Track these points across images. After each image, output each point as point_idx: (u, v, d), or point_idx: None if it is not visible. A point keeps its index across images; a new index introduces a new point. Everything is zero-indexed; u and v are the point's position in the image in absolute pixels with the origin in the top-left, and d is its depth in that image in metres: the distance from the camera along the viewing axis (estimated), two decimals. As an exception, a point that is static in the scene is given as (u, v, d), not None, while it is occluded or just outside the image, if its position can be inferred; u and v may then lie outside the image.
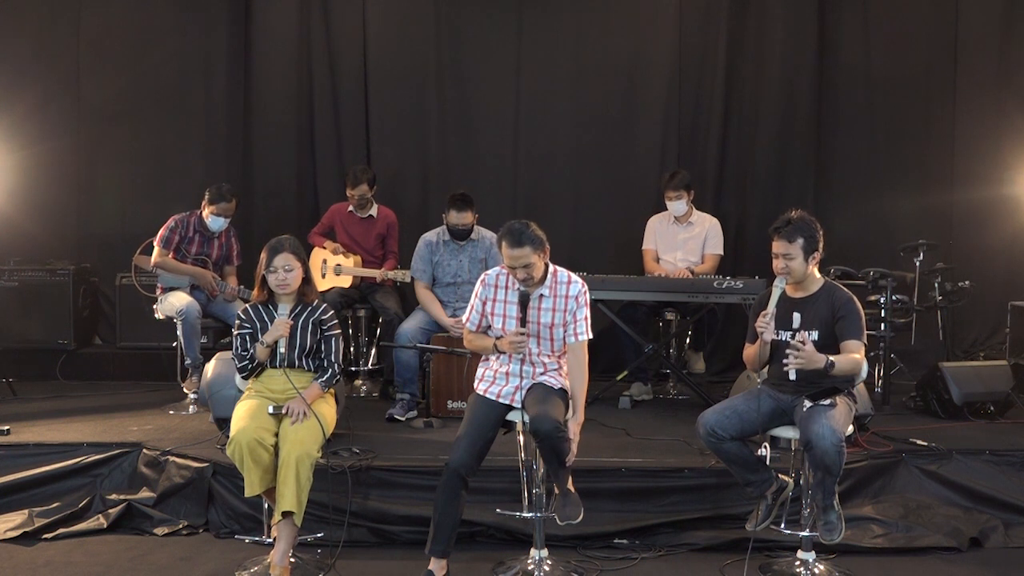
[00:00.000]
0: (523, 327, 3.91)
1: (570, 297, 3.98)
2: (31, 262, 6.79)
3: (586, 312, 4.01)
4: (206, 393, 4.81)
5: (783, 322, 3.95)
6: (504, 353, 3.98)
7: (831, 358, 3.76)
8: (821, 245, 3.96)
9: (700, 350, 6.41)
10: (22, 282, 6.73)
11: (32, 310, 6.70)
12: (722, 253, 6.16)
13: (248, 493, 3.91)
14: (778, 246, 3.92)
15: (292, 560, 3.93)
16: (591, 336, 4.03)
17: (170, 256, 5.69)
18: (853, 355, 3.83)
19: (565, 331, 4.00)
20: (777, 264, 3.94)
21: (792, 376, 3.93)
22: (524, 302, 3.91)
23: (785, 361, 3.79)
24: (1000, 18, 7.09)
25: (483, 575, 4.06)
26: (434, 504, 3.82)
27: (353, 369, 6.37)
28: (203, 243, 5.78)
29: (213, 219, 5.72)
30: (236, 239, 5.98)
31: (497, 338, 4.00)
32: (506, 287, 4.00)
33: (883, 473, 4.69)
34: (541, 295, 3.96)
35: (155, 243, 5.71)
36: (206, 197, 5.73)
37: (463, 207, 5.59)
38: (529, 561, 4.03)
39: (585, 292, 4.03)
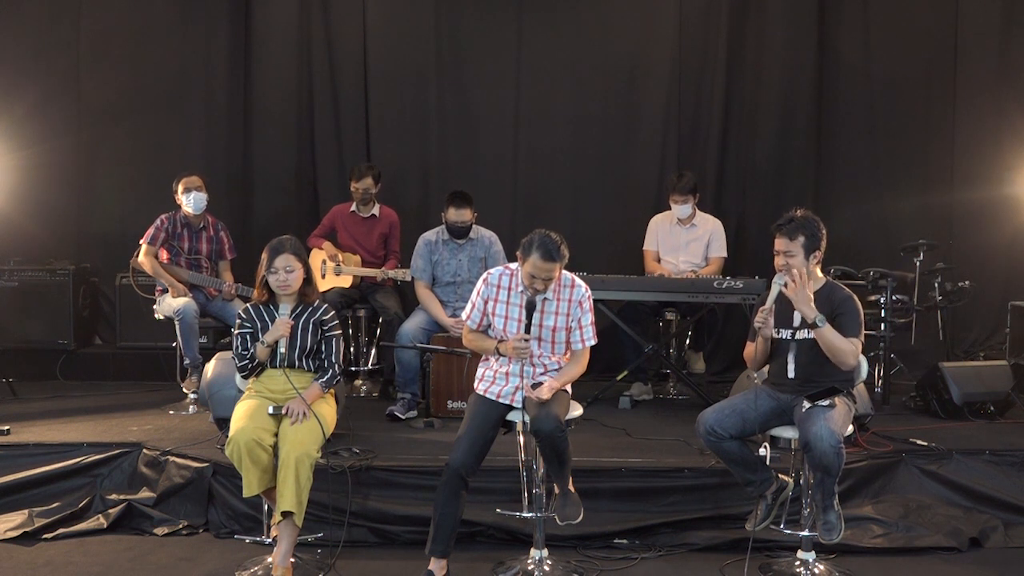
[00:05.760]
0: (527, 332, 3.91)
1: (574, 302, 3.98)
2: (31, 262, 6.79)
3: (591, 317, 4.02)
4: (206, 393, 4.81)
5: (784, 320, 3.95)
6: (505, 355, 3.98)
7: (822, 317, 3.77)
8: (823, 244, 3.96)
9: (700, 350, 6.41)
10: (22, 282, 6.72)
11: (32, 310, 6.69)
12: (726, 255, 6.17)
13: (247, 493, 3.91)
14: (779, 243, 3.93)
15: (293, 560, 3.92)
16: (596, 341, 4.03)
17: (160, 253, 5.68)
18: (848, 341, 3.83)
19: (569, 335, 4.00)
20: (778, 261, 3.94)
21: (791, 373, 3.93)
22: (531, 309, 3.91)
23: (776, 279, 3.84)
24: (1000, 18, 7.09)
25: (483, 575, 4.06)
26: (434, 504, 3.83)
27: (353, 369, 6.36)
28: (192, 238, 5.78)
29: (186, 199, 5.69)
30: (226, 233, 5.96)
31: (499, 340, 4.00)
32: (509, 288, 4.00)
33: (883, 473, 4.69)
34: (545, 299, 3.96)
35: (142, 241, 5.71)
36: (174, 188, 5.74)
37: (461, 204, 5.60)
38: (529, 561, 4.03)
39: (589, 296, 4.03)
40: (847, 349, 3.82)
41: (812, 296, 3.81)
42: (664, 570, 4.15)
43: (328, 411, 4.06)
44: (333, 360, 4.10)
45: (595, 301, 4.28)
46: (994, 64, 7.09)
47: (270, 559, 3.92)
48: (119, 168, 7.11)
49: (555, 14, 7.10)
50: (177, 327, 5.53)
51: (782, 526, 4.05)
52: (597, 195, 7.11)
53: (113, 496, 4.65)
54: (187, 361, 5.58)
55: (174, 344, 5.73)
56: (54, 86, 7.05)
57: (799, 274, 3.83)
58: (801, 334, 3.91)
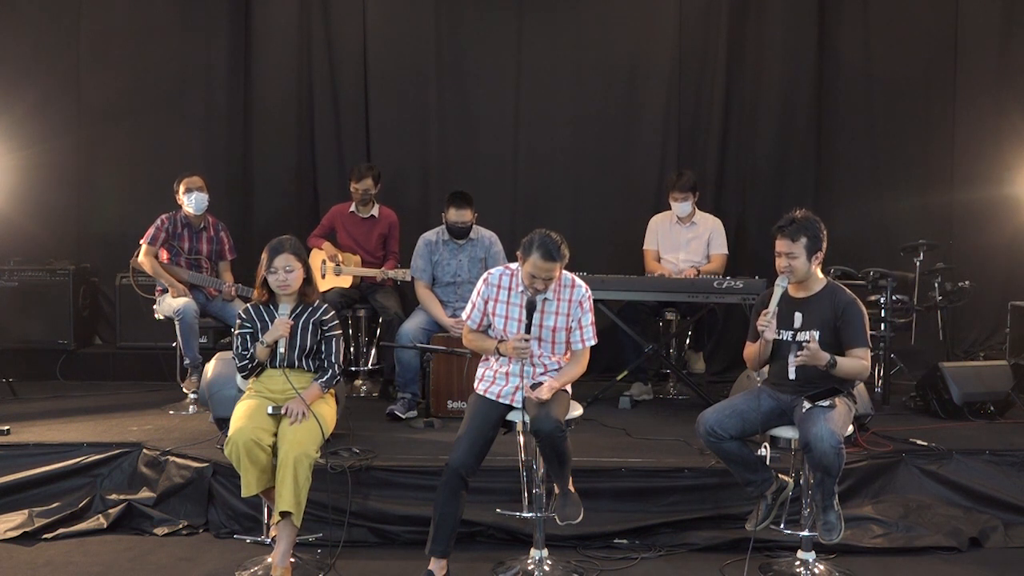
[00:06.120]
0: (527, 332, 3.90)
1: (574, 302, 3.98)
2: (31, 262, 6.79)
3: (591, 317, 4.02)
4: (206, 393, 4.80)
5: (785, 321, 3.94)
6: (506, 356, 3.97)
7: (835, 357, 3.77)
8: (824, 245, 3.95)
9: (700, 350, 6.41)
10: (22, 282, 6.72)
11: (32, 310, 6.69)
12: (727, 252, 6.17)
13: (245, 493, 3.92)
14: (781, 245, 3.92)
15: (292, 560, 3.93)
16: (596, 341, 4.04)
17: (160, 253, 5.69)
18: (858, 359, 3.83)
19: (569, 335, 4.00)
20: (780, 263, 3.93)
21: (792, 375, 3.93)
22: (531, 309, 3.90)
23: (792, 359, 3.79)
24: (1000, 18, 7.08)
25: (483, 575, 4.06)
26: (434, 504, 3.83)
27: (353, 369, 6.36)
28: (192, 238, 5.78)
29: (188, 200, 5.69)
30: (227, 233, 5.95)
31: (499, 341, 4.00)
32: (509, 288, 4.00)
33: (883, 473, 4.69)
34: (545, 299, 3.95)
35: (142, 241, 5.71)
36: (175, 188, 5.74)
37: (462, 204, 5.60)
38: (529, 561, 4.03)
39: (589, 296, 4.03)
40: (861, 368, 3.84)
41: (817, 351, 3.76)
42: (664, 570, 4.15)
43: (328, 411, 4.06)
44: (333, 360, 4.10)
45: (595, 301, 4.28)
46: (994, 64, 7.09)
47: (270, 559, 3.92)
48: (119, 168, 7.10)
49: (555, 14, 7.10)
50: (177, 327, 5.53)
51: (782, 526, 4.05)
52: (597, 195, 7.11)
53: (113, 496, 4.65)
54: (187, 361, 5.58)
55: (174, 344, 5.73)
56: (54, 86, 7.04)
57: (809, 344, 3.78)
58: (802, 336, 3.91)
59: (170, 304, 5.56)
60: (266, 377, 4.07)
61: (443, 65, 7.09)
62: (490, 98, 7.13)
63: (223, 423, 4.55)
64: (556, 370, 4.02)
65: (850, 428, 3.92)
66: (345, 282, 6.04)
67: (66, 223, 7.13)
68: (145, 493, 4.65)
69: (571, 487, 4.00)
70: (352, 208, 6.21)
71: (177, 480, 4.61)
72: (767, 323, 3.87)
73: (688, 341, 6.39)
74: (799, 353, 3.77)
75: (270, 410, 3.94)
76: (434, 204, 6.74)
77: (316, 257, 6.09)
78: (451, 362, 5.37)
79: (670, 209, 6.20)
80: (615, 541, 4.35)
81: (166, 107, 7.08)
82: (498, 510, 4.24)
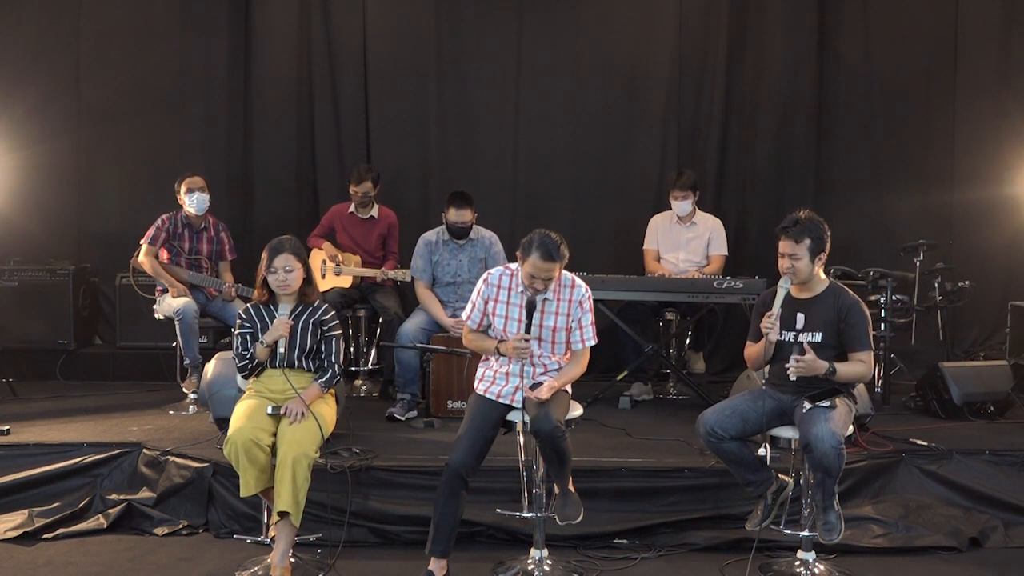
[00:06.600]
0: (527, 332, 3.90)
1: (574, 302, 3.98)
2: (31, 262, 6.79)
3: (591, 317, 4.02)
4: (206, 393, 4.80)
5: (787, 322, 3.93)
6: (506, 356, 3.97)
7: (834, 365, 3.76)
8: (827, 246, 3.95)
9: (700, 350, 6.41)
10: (22, 282, 6.73)
11: (32, 310, 6.69)
12: (727, 253, 6.18)
13: (244, 493, 3.92)
14: (785, 246, 3.91)
15: (292, 560, 3.93)
16: (596, 341, 4.04)
17: (160, 253, 5.69)
18: (860, 363, 3.84)
19: (569, 335, 4.00)
20: (783, 264, 3.92)
21: (792, 377, 3.92)
22: (531, 309, 3.90)
23: (787, 366, 3.80)
24: (1000, 18, 7.09)
25: (483, 575, 4.06)
26: (434, 504, 3.83)
27: (353, 369, 6.36)
28: (192, 238, 5.78)
29: (189, 200, 5.69)
30: (227, 233, 5.95)
31: (499, 341, 4.00)
32: (509, 288, 4.00)
33: (883, 473, 4.69)
34: (545, 299, 3.96)
35: (142, 241, 5.71)
36: (176, 188, 5.74)
37: (462, 204, 5.60)
38: (529, 561, 4.03)
39: (589, 296, 4.03)
40: (863, 371, 3.86)
41: (814, 360, 3.76)
42: (664, 570, 4.15)
43: (327, 411, 4.06)
44: (333, 360, 4.10)
45: (595, 301, 4.28)
46: (994, 64, 7.09)
47: (270, 559, 3.92)
48: (119, 168, 7.11)
49: (555, 14, 7.10)
50: (177, 327, 5.53)
51: (782, 526, 4.05)
52: (597, 195, 7.11)
53: (113, 496, 4.66)
54: (187, 361, 5.58)
55: (174, 344, 5.72)
56: (54, 86, 7.04)
57: (804, 356, 3.79)
58: (803, 336, 3.90)
59: (170, 304, 5.56)
60: (266, 377, 4.07)
61: (443, 65, 7.09)
62: (490, 98, 7.13)
63: (223, 423, 4.54)
64: (556, 370, 4.02)
65: (850, 428, 3.91)
66: (345, 282, 6.04)
67: (66, 223, 7.13)
68: (145, 493, 4.65)
69: (571, 487, 4.00)
70: (351, 208, 6.21)
71: (177, 480, 4.61)
72: (771, 325, 3.86)
73: (688, 341, 6.40)
74: (793, 367, 3.77)
75: (269, 410, 3.94)
76: (434, 204, 6.75)
77: (316, 257, 6.09)
78: (451, 362, 5.37)
79: (670, 209, 6.21)
80: (615, 541, 4.35)
81: (166, 107, 7.08)
82: (498, 510, 4.24)
